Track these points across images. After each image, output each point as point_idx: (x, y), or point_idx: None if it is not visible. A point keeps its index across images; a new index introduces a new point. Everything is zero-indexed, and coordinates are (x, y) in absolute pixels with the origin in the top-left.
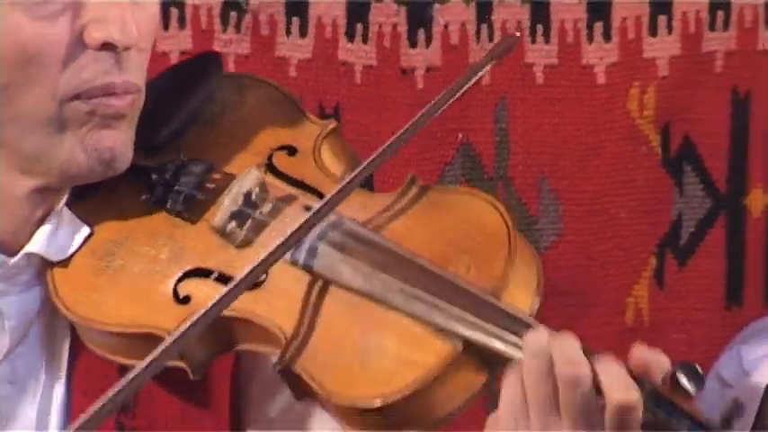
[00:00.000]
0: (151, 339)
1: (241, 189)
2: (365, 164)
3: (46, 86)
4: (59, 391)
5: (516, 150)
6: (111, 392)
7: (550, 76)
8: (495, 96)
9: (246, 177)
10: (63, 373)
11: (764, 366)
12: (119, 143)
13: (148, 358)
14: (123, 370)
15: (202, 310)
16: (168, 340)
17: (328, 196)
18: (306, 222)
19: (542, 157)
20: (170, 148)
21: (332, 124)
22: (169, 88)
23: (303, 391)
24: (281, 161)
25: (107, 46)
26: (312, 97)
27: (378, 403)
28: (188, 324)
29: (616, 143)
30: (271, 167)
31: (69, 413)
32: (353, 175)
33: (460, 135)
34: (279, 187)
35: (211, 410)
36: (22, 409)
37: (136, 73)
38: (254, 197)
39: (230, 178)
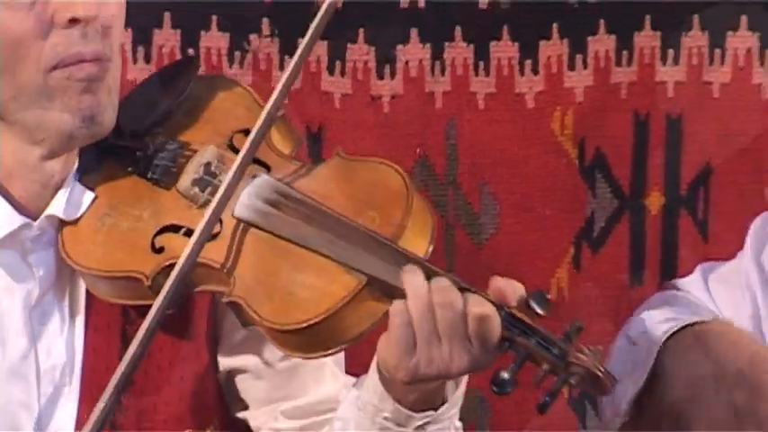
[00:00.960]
0: (134, 281)
1: (201, 160)
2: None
3: (32, 63)
4: (80, 326)
5: (463, 161)
6: (137, 337)
7: (490, 102)
8: (446, 118)
9: (206, 152)
10: (82, 314)
11: (662, 326)
12: (96, 103)
13: (156, 305)
14: (124, 310)
15: (181, 261)
16: (163, 291)
17: (240, 156)
18: (231, 180)
19: (484, 166)
20: (153, 131)
21: (280, 112)
22: (154, 85)
23: (246, 319)
24: (238, 141)
25: (73, 22)
26: (300, 120)
27: (302, 326)
28: (174, 277)
29: (542, 155)
30: (230, 145)
31: (86, 343)
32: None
33: (418, 149)
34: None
35: (194, 341)
36: (54, 343)
37: (103, 44)
38: (213, 167)
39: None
